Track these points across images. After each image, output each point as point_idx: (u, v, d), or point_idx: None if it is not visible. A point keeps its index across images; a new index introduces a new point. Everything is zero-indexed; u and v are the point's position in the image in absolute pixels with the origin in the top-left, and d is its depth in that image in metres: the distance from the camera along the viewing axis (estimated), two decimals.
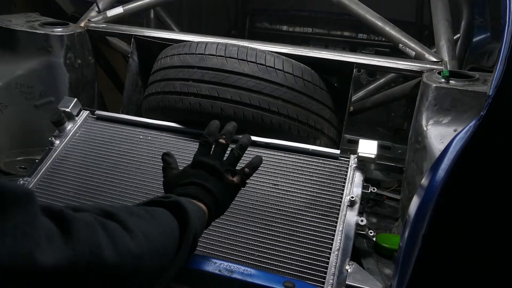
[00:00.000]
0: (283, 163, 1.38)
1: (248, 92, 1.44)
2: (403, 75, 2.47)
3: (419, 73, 1.60)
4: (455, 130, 1.32)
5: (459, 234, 0.81)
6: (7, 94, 1.79)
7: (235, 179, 1.03)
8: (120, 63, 2.41)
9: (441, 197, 0.79)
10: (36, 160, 1.52)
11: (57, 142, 1.55)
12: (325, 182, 1.33)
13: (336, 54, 1.66)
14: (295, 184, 1.33)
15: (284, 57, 1.51)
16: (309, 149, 1.40)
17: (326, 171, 1.35)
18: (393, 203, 1.80)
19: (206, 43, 1.52)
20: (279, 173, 1.36)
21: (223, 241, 1.21)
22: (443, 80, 1.42)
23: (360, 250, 1.34)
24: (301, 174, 1.35)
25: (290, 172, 1.36)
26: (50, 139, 1.55)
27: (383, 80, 2.65)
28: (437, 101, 1.39)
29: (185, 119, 1.53)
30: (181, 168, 1.07)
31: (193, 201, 0.94)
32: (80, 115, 1.63)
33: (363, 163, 1.34)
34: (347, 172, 1.34)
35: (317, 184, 1.32)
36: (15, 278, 0.53)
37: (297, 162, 1.38)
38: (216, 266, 1.04)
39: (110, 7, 2.14)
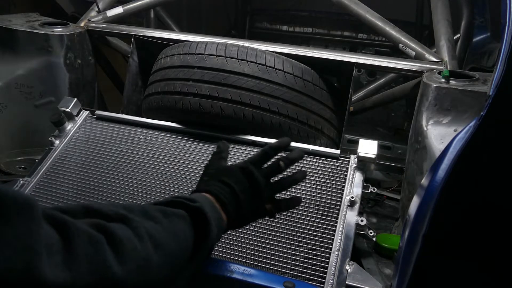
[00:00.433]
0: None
1: (248, 92, 1.44)
2: (403, 75, 2.48)
3: (419, 73, 1.60)
4: (455, 130, 1.32)
5: (459, 234, 0.81)
6: (7, 94, 1.79)
7: (268, 206, 0.99)
8: (120, 63, 2.41)
9: (441, 197, 0.79)
10: (36, 160, 1.52)
11: (57, 142, 1.55)
12: (325, 182, 1.33)
13: (336, 54, 1.66)
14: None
15: (284, 57, 1.50)
16: (309, 149, 1.40)
17: (326, 171, 1.35)
18: (393, 203, 1.80)
19: (206, 43, 1.52)
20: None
21: (223, 241, 1.21)
22: (443, 80, 1.42)
23: (360, 250, 1.34)
24: None
25: (290, 172, 1.35)
26: (50, 139, 1.55)
27: (383, 80, 2.65)
28: (437, 101, 1.39)
29: (185, 119, 1.53)
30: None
31: (217, 206, 0.90)
32: (80, 115, 1.63)
33: (363, 163, 1.34)
34: (347, 172, 1.34)
35: (317, 184, 1.32)
36: None
37: (297, 162, 1.38)
38: (216, 266, 1.04)
39: (110, 7, 2.14)
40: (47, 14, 2.14)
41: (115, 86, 2.39)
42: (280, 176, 1.02)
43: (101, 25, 2.02)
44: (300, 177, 1.02)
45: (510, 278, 0.81)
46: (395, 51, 2.36)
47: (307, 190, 1.31)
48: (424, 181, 0.87)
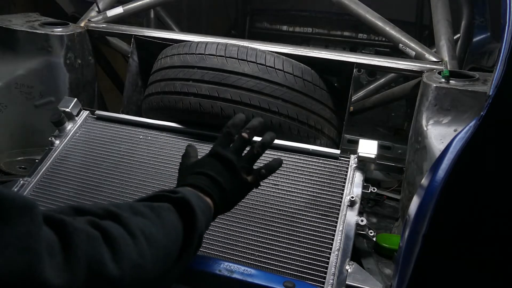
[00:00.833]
0: (283, 163, 1.38)
1: (248, 92, 1.44)
2: (403, 75, 2.48)
3: (419, 73, 1.60)
4: (455, 130, 1.32)
5: (459, 234, 0.81)
6: (7, 94, 1.79)
7: (249, 178, 1.00)
8: (120, 63, 2.41)
9: (441, 197, 0.79)
10: (36, 160, 1.52)
11: (57, 142, 1.55)
12: (325, 182, 1.33)
13: (336, 54, 1.66)
14: (295, 184, 1.33)
15: (284, 57, 1.51)
16: (309, 149, 1.40)
17: (326, 171, 1.35)
18: (393, 203, 1.80)
19: (206, 43, 1.52)
20: (279, 173, 1.35)
21: (223, 241, 1.21)
22: (443, 80, 1.42)
23: (360, 250, 1.34)
24: (301, 174, 1.35)
25: (290, 172, 1.36)
26: (50, 139, 1.55)
27: (383, 80, 2.66)
28: (437, 101, 1.39)
29: (185, 119, 1.53)
30: None
31: (200, 195, 0.91)
32: (80, 115, 1.63)
33: (363, 163, 1.34)
34: (347, 172, 1.34)
35: (317, 184, 1.32)
36: None
37: (297, 162, 1.38)
38: (216, 266, 1.04)
39: (110, 7, 2.14)
40: (47, 14, 2.14)
41: (115, 86, 2.39)
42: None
43: (101, 25, 2.02)
44: (268, 138, 1.03)
45: (510, 278, 0.81)
46: (395, 51, 2.37)
47: (307, 190, 1.31)
48: (424, 181, 0.87)
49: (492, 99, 0.75)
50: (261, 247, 1.20)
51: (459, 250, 0.82)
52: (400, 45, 1.75)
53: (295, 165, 1.37)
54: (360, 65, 1.66)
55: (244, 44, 1.54)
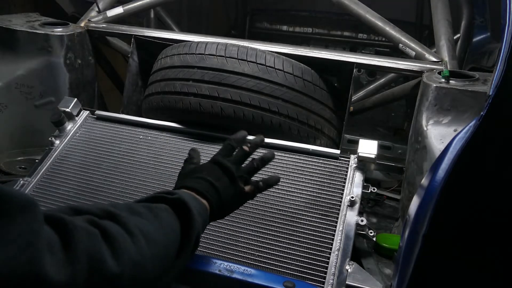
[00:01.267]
0: (283, 163, 1.38)
1: (248, 92, 1.44)
2: (403, 75, 2.48)
3: (419, 73, 1.60)
4: (455, 130, 1.32)
5: (459, 234, 0.81)
6: (7, 94, 1.79)
7: (246, 188, 1.02)
8: (120, 63, 2.41)
9: (441, 197, 0.79)
10: (36, 160, 1.52)
11: (57, 142, 1.55)
12: (325, 182, 1.33)
13: (336, 54, 1.66)
14: (295, 184, 1.33)
15: (284, 57, 1.51)
16: (309, 149, 1.40)
17: (326, 171, 1.35)
18: (393, 203, 1.80)
19: (206, 43, 1.52)
20: (279, 173, 1.35)
21: (223, 241, 1.21)
22: (443, 80, 1.42)
23: (360, 250, 1.34)
24: (301, 174, 1.35)
25: (290, 172, 1.36)
26: (50, 139, 1.55)
27: (383, 80, 2.65)
28: (437, 101, 1.39)
29: (185, 119, 1.53)
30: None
31: (197, 197, 0.92)
32: (80, 115, 1.63)
33: (363, 163, 1.34)
34: (347, 172, 1.34)
35: (317, 184, 1.32)
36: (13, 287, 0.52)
37: (297, 162, 1.38)
38: (216, 266, 1.04)
39: (110, 7, 2.14)
40: (47, 14, 2.14)
41: (115, 86, 2.39)
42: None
43: (101, 25, 2.02)
44: (269, 155, 1.07)
45: (510, 278, 0.81)
46: (395, 51, 2.36)
47: (307, 190, 1.31)
48: (424, 181, 0.87)
49: (492, 99, 0.75)
50: (261, 247, 1.20)
51: (459, 250, 0.82)
52: (400, 45, 1.75)
53: (295, 165, 1.37)
54: (360, 65, 1.66)
55: (244, 44, 1.54)
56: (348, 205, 1.25)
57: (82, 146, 1.54)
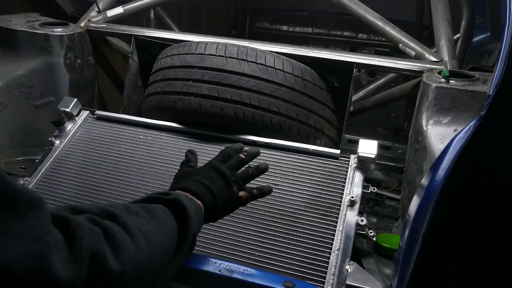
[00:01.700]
0: (283, 163, 1.38)
1: (248, 92, 1.44)
2: (403, 75, 2.48)
3: (419, 73, 1.60)
4: (455, 130, 1.32)
5: (459, 234, 0.81)
6: (7, 94, 1.79)
7: (240, 193, 1.04)
8: (120, 63, 2.41)
9: (441, 197, 0.79)
10: (36, 160, 1.52)
11: (57, 142, 1.55)
12: (325, 182, 1.33)
13: (336, 54, 1.66)
14: (295, 184, 1.33)
15: (284, 57, 1.51)
16: (309, 149, 1.40)
17: (326, 171, 1.35)
18: (393, 203, 1.80)
19: (206, 43, 1.52)
20: (279, 173, 1.36)
21: (223, 241, 1.21)
22: (443, 80, 1.42)
23: (360, 250, 1.34)
24: (301, 174, 1.35)
25: (290, 172, 1.36)
26: (50, 139, 1.55)
27: (383, 80, 2.65)
28: (437, 101, 1.40)
29: (185, 119, 1.53)
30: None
31: (191, 197, 0.94)
32: (80, 115, 1.63)
33: (363, 163, 1.34)
34: (347, 172, 1.34)
35: (317, 184, 1.32)
36: (23, 282, 0.52)
37: (297, 162, 1.38)
38: (216, 266, 1.04)
39: (110, 7, 2.14)
40: (47, 14, 2.14)
41: (115, 86, 2.39)
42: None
43: (101, 25, 2.02)
44: (263, 166, 1.10)
45: (510, 278, 0.81)
46: (395, 51, 2.36)
47: (307, 190, 1.31)
48: (424, 181, 0.87)
49: (492, 99, 0.75)
50: (261, 247, 1.20)
51: (459, 250, 0.82)
52: (400, 45, 1.75)
53: (295, 165, 1.37)
54: (360, 65, 1.66)
55: (244, 44, 1.54)
56: (348, 205, 1.25)
57: (82, 146, 1.54)
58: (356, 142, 1.36)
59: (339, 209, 1.25)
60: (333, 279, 1.11)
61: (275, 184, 1.33)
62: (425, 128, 1.39)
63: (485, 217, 0.80)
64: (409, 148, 1.52)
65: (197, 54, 1.50)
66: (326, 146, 1.51)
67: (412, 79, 1.79)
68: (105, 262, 0.64)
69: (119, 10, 2.11)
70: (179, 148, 1.48)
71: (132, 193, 1.37)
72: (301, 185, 1.32)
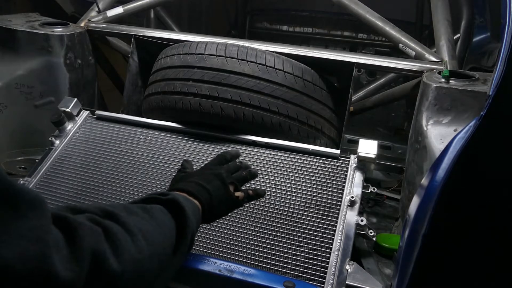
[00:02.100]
0: (283, 163, 1.38)
1: (248, 92, 1.44)
2: (403, 75, 2.48)
3: (419, 73, 1.60)
4: (455, 130, 1.32)
5: (459, 234, 0.81)
6: (7, 94, 1.79)
7: (237, 193, 1.05)
8: (120, 63, 2.41)
9: (441, 197, 0.79)
10: (36, 160, 1.52)
11: (57, 142, 1.55)
12: (325, 182, 1.33)
13: (336, 54, 1.66)
14: (295, 184, 1.33)
15: (284, 57, 1.51)
16: (309, 149, 1.40)
17: (326, 171, 1.35)
18: (393, 203, 1.80)
19: (206, 43, 1.52)
20: (279, 173, 1.36)
21: (223, 241, 1.21)
22: (443, 80, 1.42)
23: (360, 250, 1.34)
24: (301, 174, 1.35)
25: (290, 172, 1.36)
26: (50, 139, 1.55)
27: (383, 80, 2.66)
28: (437, 101, 1.40)
29: (185, 119, 1.53)
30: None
31: (189, 197, 0.95)
32: (80, 115, 1.63)
33: (363, 163, 1.34)
34: (347, 172, 1.34)
35: (317, 184, 1.32)
36: (23, 282, 0.53)
37: (297, 162, 1.38)
38: (216, 266, 1.04)
39: (110, 7, 2.14)
40: (47, 14, 2.14)
41: (115, 86, 2.39)
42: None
43: (101, 25, 2.02)
44: (254, 171, 1.13)
45: (509, 278, 0.81)
46: (395, 51, 2.36)
47: (307, 190, 1.31)
48: (424, 181, 0.87)
49: (492, 99, 0.75)
50: (261, 247, 1.20)
51: (459, 250, 0.82)
52: (400, 45, 1.75)
53: (295, 165, 1.37)
54: (360, 65, 1.66)
55: (244, 44, 1.54)
56: (348, 205, 1.25)
57: (82, 146, 1.54)
58: (356, 142, 1.36)
59: (339, 209, 1.25)
60: (333, 279, 1.11)
61: (275, 184, 1.33)
62: (425, 128, 1.39)
63: (485, 217, 0.80)
64: (409, 148, 1.52)
65: (197, 54, 1.50)
66: (326, 146, 1.51)
67: (412, 79, 1.79)
68: (105, 262, 0.64)
69: (119, 10, 2.11)
70: (179, 148, 1.48)
71: (132, 193, 1.37)
72: (301, 185, 1.32)
